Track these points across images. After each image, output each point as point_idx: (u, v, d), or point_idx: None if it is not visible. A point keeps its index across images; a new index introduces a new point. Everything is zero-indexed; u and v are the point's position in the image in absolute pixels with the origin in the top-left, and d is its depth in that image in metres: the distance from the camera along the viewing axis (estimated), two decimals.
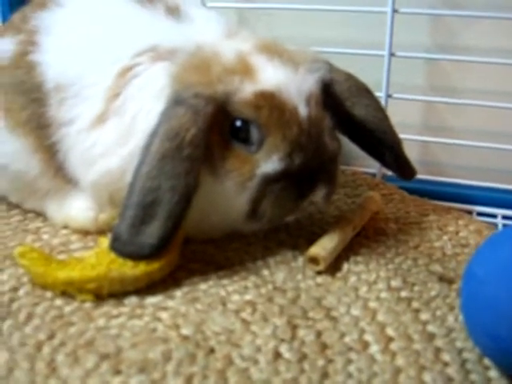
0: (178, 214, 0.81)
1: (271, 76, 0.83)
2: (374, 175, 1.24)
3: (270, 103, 0.81)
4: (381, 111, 0.96)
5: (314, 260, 0.89)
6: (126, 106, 0.87)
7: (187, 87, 0.82)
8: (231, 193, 0.84)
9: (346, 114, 0.94)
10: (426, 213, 1.08)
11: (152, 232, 0.81)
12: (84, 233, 0.98)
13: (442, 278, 0.89)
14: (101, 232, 0.96)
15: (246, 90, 0.81)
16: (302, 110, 0.83)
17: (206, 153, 0.82)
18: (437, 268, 0.91)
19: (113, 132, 0.88)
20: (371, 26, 1.23)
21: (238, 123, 0.83)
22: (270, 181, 0.82)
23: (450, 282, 0.88)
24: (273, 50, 0.87)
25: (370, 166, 1.25)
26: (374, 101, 0.96)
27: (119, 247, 0.82)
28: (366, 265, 0.91)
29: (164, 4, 0.96)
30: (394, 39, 1.16)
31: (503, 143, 1.18)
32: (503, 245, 0.66)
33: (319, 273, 0.89)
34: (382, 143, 0.96)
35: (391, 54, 1.17)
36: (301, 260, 0.92)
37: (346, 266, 0.91)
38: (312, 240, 0.93)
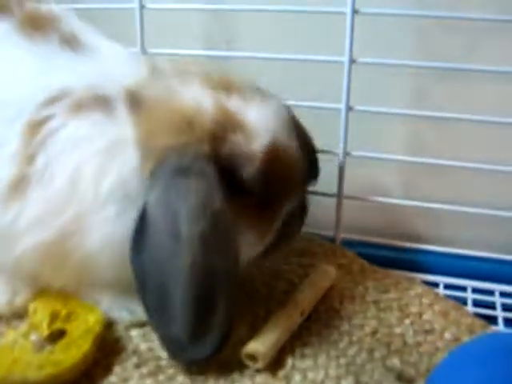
0: (236, 292, 0.72)
1: (261, 121, 0.75)
2: (332, 240, 1.11)
3: (276, 153, 0.75)
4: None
5: (252, 356, 0.76)
6: (53, 170, 0.75)
7: (179, 151, 0.71)
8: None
9: None
10: (387, 289, 0.96)
11: (216, 324, 0.71)
12: None
13: (400, 377, 0.77)
14: (16, 316, 0.84)
15: (250, 144, 0.73)
16: (294, 146, 0.78)
17: None
18: (395, 363, 0.80)
19: (40, 202, 0.75)
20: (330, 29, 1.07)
21: (247, 177, 0.74)
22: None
23: (409, 381, 0.77)
24: (226, 85, 0.78)
25: (328, 227, 1.13)
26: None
27: (178, 354, 0.73)
28: (313, 359, 0.79)
29: (58, 33, 0.83)
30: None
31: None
32: (470, 372, 0.55)
33: (259, 370, 0.76)
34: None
35: (352, 61, 1.02)
36: (239, 351, 0.79)
37: (290, 362, 0.79)
38: (255, 326, 0.82)
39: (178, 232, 0.69)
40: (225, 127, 0.73)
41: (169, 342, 0.72)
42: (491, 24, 1.04)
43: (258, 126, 0.75)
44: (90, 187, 0.74)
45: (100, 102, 0.76)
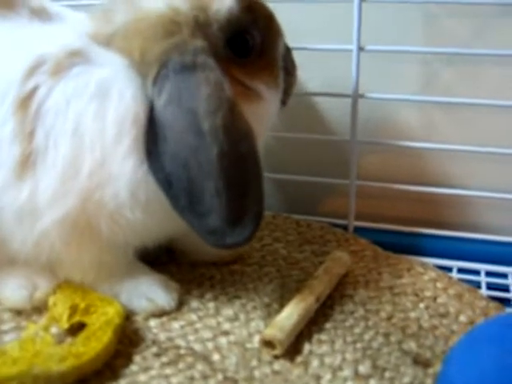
0: (261, 170, 0.74)
1: None
2: (344, 227, 1.12)
3: (252, 1, 0.78)
4: None
5: (269, 343, 0.77)
6: (55, 138, 0.74)
7: (177, 50, 0.72)
8: (273, 97, 0.82)
9: None
10: (400, 274, 0.97)
11: (250, 205, 0.73)
12: (17, 311, 0.86)
13: (416, 360, 0.78)
14: (36, 310, 0.85)
15: (225, 5, 0.75)
16: None
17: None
18: (411, 346, 0.80)
19: (52, 173, 0.74)
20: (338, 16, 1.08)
21: (241, 37, 0.78)
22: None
23: (426, 364, 0.77)
24: None
25: (341, 215, 1.14)
26: None
27: (220, 242, 0.73)
28: (330, 344, 0.80)
29: (27, 8, 0.84)
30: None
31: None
32: (485, 350, 0.55)
33: (277, 356, 0.77)
34: None
35: (360, 49, 1.02)
36: (257, 339, 0.80)
37: (307, 347, 0.80)
38: (270, 313, 0.83)
39: (199, 127, 0.70)
40: (202, 9, 0.75)
41: (208, 234, 0.73)
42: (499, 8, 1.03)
43: None
44: (95, 135, 0.73)
45: (76, 56, 0.76)
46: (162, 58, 0.72)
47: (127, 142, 0.73)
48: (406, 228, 1.13)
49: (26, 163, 0.75)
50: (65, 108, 0.74)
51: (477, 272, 1.05)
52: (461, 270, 1.04)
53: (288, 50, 0.87)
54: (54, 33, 0.82)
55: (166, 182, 0.72)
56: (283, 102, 0.87)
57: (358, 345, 0.80)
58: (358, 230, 1.13)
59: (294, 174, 1.18)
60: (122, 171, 0.74)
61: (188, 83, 0.71)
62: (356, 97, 1.04)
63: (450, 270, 1.04)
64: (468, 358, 0.57)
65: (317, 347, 0.79)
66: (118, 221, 0.77)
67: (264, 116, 0.82)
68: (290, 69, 0.87)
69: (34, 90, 0.74)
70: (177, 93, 0.71)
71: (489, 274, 1.04)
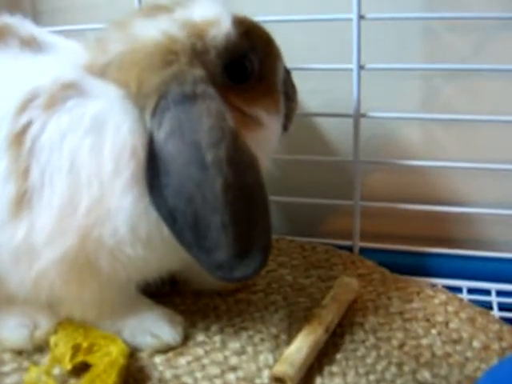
0: (268, 202, 0.72)
1: (215, 12, 0.76)
2: (349, 249, 1.10)
3: (250, 26, 0.77)
4: None
5: (280, 380, 0.74)
6: (51, 174, 0.71)
7: (176, 80, 0.70)
8: (274, 123, 0.80)
9: None
10: (410, 298, 0.94)
11: (257, 237, 0.71)
12: (18, 351, 0.83)
13: None
14: (37, 349, 0.82)
15: (222, 31, 0.74)
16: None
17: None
18: (425, 376, 0.78)
19: (49, 210, 0.71)
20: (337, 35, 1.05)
21: (239, 63, 0.76)
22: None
23: None
24: (161, 7, 0.78)
25: (345, 235, 1.12)
26: None
27: (227, 276, 0.71)
28: (342, 377, 0.78)
29: (17, 38, 0.82)
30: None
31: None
32: None
33: None
34: None
35: (360, 67, 1.00)
36: (266, 374, 0.78)
37: (319, 381, 0.77)
38: (278, 345, 0.81)
39: (202, 159, 0.68)
40: (199, 37, 0.73)
41: (215, 269, 0.70)
42: (498, 22, 1.02)
43: (216, 16, 0.75)
44: (92, 170, 0.70)
45: (70, 89, 0.73)
46: (160, 88, 0.70)
47: (125, 176, 0.71)
48: (412, 248, 1.11)
49: (22, 201, 0.72)
50: (59, 143, 0.71)
51: (487, 292, 1.02)
52: (471, 290, 1.02)
53: (288, 74, 0.85)
54: (46, 64, 0.80)
55: (170, 217, 0.70)
56: (285, 127, 0.85)
57: (371, 377, 0.78)
58: (363, 250, 1.10)
59: (296, 196, 1.15)
60: (120, 206, 0.71)
61: (189, 114, 0.69)
62: (358, 117, 1.02)
63: (459, 290, 1.01)
64: None
65: (328, 380, 0.77)
66: (119, 257, 0.74)
67: (266, 143, 0.80)
68: (290, 93, 0.85)
69: (28, 125, 0.72)
70: (178, 125, 0.69)
71: (500, 293, 1.02)
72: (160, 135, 0.69)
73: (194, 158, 0.68)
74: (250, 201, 0.70)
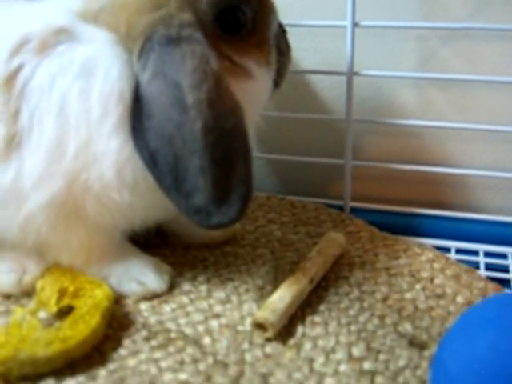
0: (250, 149, 0.72)
1: None
2: (340, 208, 1.10)
3: None
4: None
5: (261, 326, 0.75)
6: (40, 117, 0.72)
7: (163, 23, 0.70)
8: (264, 76, 0.80)
9: None
10: (397, 255, 0.95)
11: (237, 184, 0.70)
12: (6, 295, 0.84)
13: (412, 342, 0.76)
14: (25, 294, 0.84)
15: None
16: None
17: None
18: (407, 328, 0.79)
19: (38, 153, 0.72)
20: None
21: (232, 13, 0.75)
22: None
23: (422, 347, 0.75)
24: None
25: (337, 197, 1.12)
26: None
27: (205, 222, 0.70)
28: (324, 326, 0.79)
29: None
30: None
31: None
32: (479, 332, 0.53)
33: (269, 339, 0.75)
34: None
35: (354, 24, 0.99)
36: (249, 322, 0.79)
37: (300, 330, 0.78)
38: (263, 295, 0.82)
39: (183, 101, 0.68)
40: None
41: (193, 213, 0.70)
42: None
43: None
44: (80, 114, 0.71)
45: (62, 34, 0.73)
46: (147, 31, 0.70)
47: (112, 120, 0.71)
48: (403, 208, 1.11)
49: (11, 144, 0.73)
50: (49, 87, 0.72)
51: (475, 252, 1.03)
52: (459, 251, 1.02)
53: (283, 31, 0.85)
54: (39, 10, 0.80)
55: (151, 160, 0.70)
56: (276, 84, 0.84)
57: (353, 327, 0.78)
58: (354, 210, 1.11)
59: (288, 155, 1.15)
60: (107, 151, 0.72)
61: (173, 56, 0.69)
62: (351, 74, 1.01)
63: (448, 250, 1.02)
64: (461, 341, 0.55)
65: (310, 329, 0.78)
66: (105, 203, 0.75)
67: (254, 95, 0.80)
68: (283, 48, 0.84)
69: (19, 68, 0.73)
70: (161, 66, 0.69)
71: (488, 254, 1.02)
72: (144, 77, 0.69)
73: (175, 100, 0.68)
74: (230, 147, 0.70)
